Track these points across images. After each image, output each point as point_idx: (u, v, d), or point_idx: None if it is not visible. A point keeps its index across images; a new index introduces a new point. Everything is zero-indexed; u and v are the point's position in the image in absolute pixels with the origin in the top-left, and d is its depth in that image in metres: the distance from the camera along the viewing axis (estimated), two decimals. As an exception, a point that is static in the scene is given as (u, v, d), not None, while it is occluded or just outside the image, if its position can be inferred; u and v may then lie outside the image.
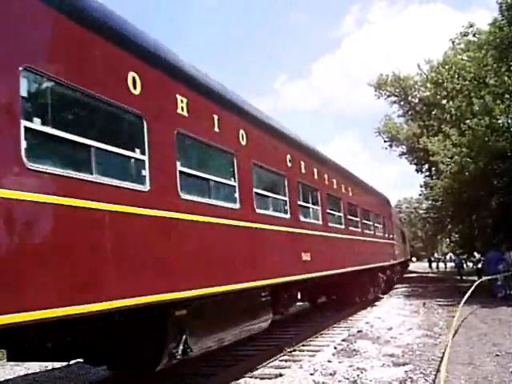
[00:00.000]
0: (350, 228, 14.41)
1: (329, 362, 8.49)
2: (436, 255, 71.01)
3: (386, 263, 20.39)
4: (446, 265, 54.07)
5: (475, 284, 16.86)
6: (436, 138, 30.54)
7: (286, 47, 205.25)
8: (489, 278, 18.48)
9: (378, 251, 18.96)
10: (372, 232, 17.82)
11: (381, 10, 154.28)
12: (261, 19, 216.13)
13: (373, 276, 17.79)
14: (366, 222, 16.97)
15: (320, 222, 11.60)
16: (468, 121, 23.37)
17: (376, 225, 18.99)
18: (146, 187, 5.28)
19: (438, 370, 7.41)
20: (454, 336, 9.55)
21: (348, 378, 7.28)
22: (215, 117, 7.02)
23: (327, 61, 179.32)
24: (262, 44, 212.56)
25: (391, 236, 23.11)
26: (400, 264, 27.82)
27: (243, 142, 7.85)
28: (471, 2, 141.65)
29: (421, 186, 48.46)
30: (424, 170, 46.29)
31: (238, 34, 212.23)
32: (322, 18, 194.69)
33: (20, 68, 4.00)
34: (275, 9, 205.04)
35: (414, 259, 68.17)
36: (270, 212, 8.83)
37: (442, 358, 8.28)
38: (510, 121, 19.49)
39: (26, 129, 4.00)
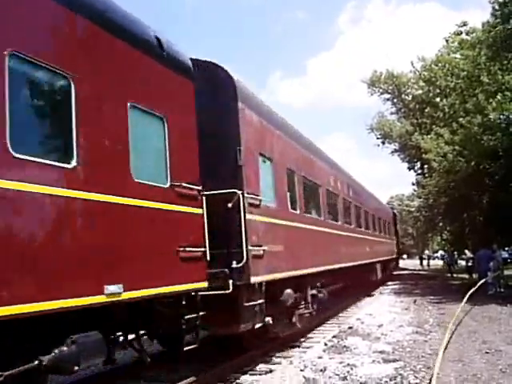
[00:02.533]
0: None
1: (319, 358, 8.48)
2: (427, 252, 71.36)
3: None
4: (444, 262, 53.70)
5: (480, 283, 17.24)
6: (429, 136, 30.61)
7: (281, 44, 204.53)
8: (485, 280, 18.51)
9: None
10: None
11: (376, 9, 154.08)
12: (255, 17, 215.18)
13: None
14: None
15: None
16: (461, 119, 23.42)
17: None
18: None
19: (428, 367, 7.43)
20: (450, 337, 9.59)
21: (338, 375, 7.27)
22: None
23: (322, 59, 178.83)
24: (255, 39, 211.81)
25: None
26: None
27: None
28: (465, 1, 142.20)
29: (413, 184, 48.82)
30: (416, 167, 46.56)
31: (232, 29, 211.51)
32: (317, 15, 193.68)
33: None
34: (269, 6, 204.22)
35: (404, 256, 68.53)
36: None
37: (431, 354, 8.33)
38: (502, 119, 19.54)
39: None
